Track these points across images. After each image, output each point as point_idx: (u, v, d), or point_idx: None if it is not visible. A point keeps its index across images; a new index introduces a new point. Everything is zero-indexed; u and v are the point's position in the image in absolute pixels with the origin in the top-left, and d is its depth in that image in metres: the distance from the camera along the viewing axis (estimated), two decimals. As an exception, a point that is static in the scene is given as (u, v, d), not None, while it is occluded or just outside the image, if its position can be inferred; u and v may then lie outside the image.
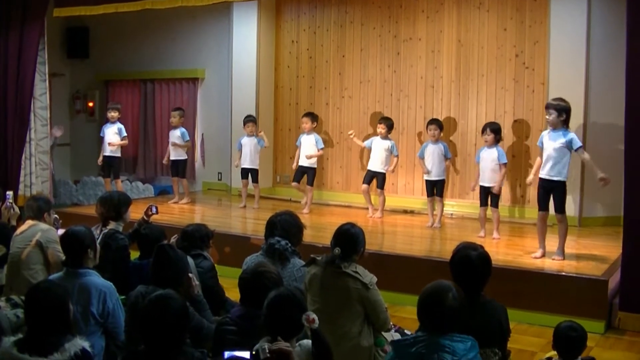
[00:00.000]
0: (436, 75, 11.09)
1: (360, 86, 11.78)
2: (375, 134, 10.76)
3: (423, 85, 11.20)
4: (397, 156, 10.51)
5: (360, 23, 11.74)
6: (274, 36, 12.60)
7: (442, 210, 9.89)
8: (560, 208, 7.74)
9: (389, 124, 10.50)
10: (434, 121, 9.94)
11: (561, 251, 7.80)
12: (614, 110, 8.68)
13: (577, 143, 7.63)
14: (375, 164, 10.45)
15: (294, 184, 11.03)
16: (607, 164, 8.96)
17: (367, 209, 10.64)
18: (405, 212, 10.91)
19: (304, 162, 10.88)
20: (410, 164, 11.24)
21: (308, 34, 12.29)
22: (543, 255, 7.86)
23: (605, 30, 9.62)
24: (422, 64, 11.20)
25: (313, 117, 11.05)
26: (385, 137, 10.40)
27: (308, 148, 10.89)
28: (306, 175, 10.89)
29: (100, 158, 11.53)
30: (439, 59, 11.07)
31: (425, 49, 11.17)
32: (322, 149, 10.96)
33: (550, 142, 7.69)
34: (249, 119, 11.20)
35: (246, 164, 11.16)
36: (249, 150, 11.11)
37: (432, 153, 9.76)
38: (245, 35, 12.37)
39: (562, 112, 7.66)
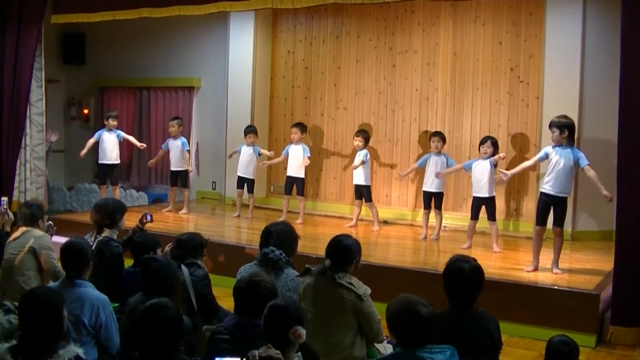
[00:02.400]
0: (431, 88, 11.13)
1: (356, 97, 11.81)
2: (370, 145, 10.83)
3: (418, 98, 11.24)
4: (364, 162, 10.39)
5: (357, 35, 11.78)
6: (270, 46, 12.64)
7: (441, 223, 9.91)
8: (560, 222, 7.81)
9: (366, 137, 10.58)
10: (437, 133, 9.95)
11: (557, 264, 7.85)
12: (608, 124, 8.71)
13: (585, 161, 7.68)
14: (356, 176, 10.52)
15: (285, 196, 11.04)
16: (600, 178, 9.00)
17: (360, 219, 10.77)
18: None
19: (292, 172, 10.88)
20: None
21: (304, 44, 12.33)
22: (535, 269, 7.90)
23: (600, 45, 9.67)
24: (417, 76, 11.24)
25: (302, 127, 11.01)
26: (362, 149, 10.45)
27: (297, 158, 10.86)
28: (295, 185, 10.91)
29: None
30: (434, 72, 11.12)
31: (420, 62, 11.22)
32: (309, 157, 10.92)
33: (559, 159, 7.74)
34: (250, 130, 11.20)
35: (242, 173, 11.17)
36: (246, 160, 11.12)
37: (435, 165, 9.74)
38: (242, 44, 12.41)
39: (563, 129, 7.72)
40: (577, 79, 9.74)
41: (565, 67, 9.80)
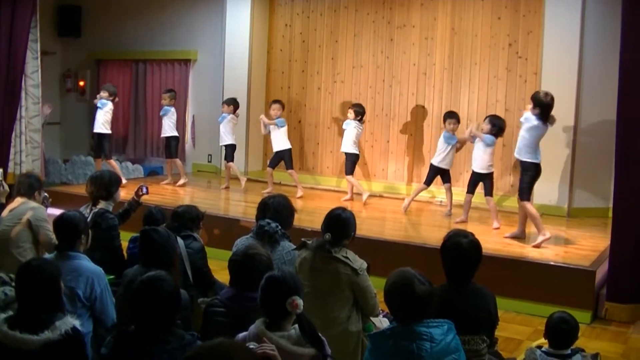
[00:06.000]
0: (429, 63, 11.08)
1: (353, 71, 11.76)
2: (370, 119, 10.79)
3: (415, 72, 11.19)
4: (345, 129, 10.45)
5: (355, 9, 11.71)
6: (268, 19, 12.56)
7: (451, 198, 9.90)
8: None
9: (357, 111, 10.41)
10: (452, 115, 9.74)
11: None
12: (606, 101, 8.69)
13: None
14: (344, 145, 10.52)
15: (268, 169, 11.01)
16: (598, 154, 9.00)
17: (357, 193, 10.72)
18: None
19: (278, 146, 10.84)
20: (401, 150, 11.26)
21: (302, 18, 12.25)
22: (517, 237, 8.27)
23: (600, 21, 9.62)
24: (415, 50, 11.19)
25: (283, 105, 11.11)
26: (353, 120, 10.37)
27: (277, 132, 10.83)
28: (284, 159, 10.87)
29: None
30: (432, 47, 11.07)
31: (418, 36, 11.16)
32: (280, 126, 10.84)
33: None
34: (223, 101, 11.38)
35: (223, 142, 11.30)
36: (223, 129, 11.20)
37: (449, 144, 9.65)
38: (239, 17, 12.32)
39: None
40: (576, 56, 9.69)
41: (564, 43, 9.76)
